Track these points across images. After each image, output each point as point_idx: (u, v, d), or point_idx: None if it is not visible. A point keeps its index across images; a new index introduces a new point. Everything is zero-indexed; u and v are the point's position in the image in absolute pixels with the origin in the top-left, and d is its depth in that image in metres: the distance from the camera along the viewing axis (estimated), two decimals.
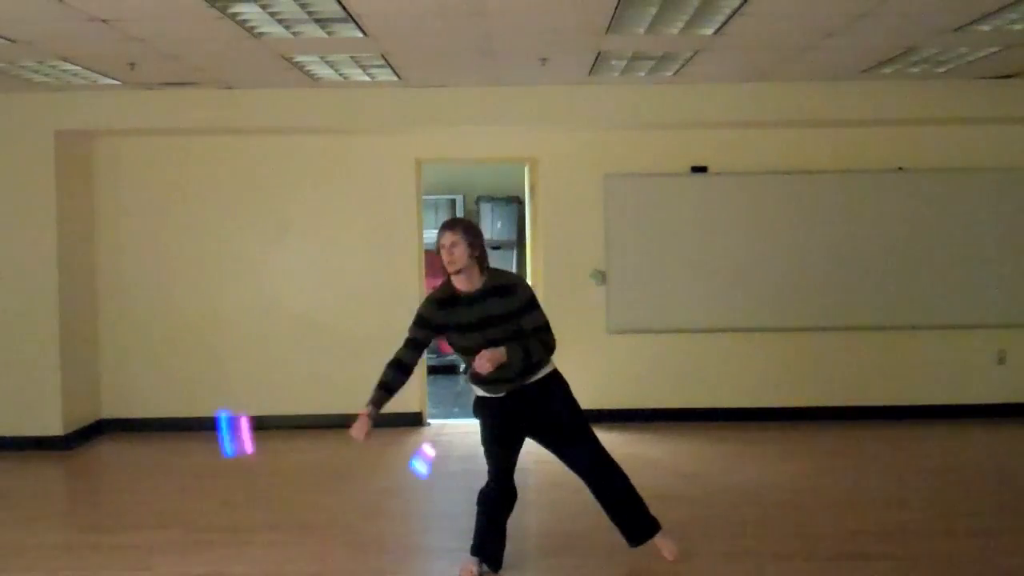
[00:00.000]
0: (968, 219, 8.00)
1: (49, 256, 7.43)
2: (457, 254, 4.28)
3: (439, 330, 4.45)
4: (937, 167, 8.02)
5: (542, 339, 4.39)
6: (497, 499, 4.56)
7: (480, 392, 4.55)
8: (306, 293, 8.12)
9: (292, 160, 8.09)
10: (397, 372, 4.45)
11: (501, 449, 4.54)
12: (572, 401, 4.61)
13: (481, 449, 4.61)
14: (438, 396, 9.23)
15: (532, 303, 4.42)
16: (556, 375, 4.59)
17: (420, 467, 4.64)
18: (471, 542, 4.63)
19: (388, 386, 4.44)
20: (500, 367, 4.28)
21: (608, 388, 8.12)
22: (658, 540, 4.71)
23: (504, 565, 4.78)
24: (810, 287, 8.01)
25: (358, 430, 4.34)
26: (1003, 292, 8.02)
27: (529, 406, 4.50)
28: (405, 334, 4.52)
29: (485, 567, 4.60)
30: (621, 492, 4.64)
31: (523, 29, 5.60)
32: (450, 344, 4.53)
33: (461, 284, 4.37)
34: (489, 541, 4.60)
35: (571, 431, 4.58)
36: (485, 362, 4.22)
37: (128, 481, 6.79)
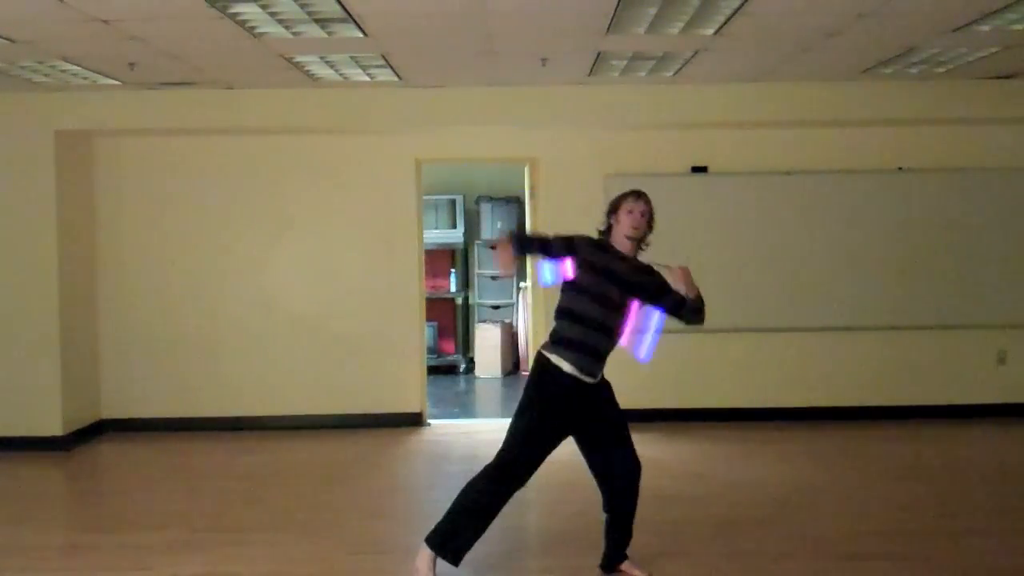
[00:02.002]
0: (968, 219, 8.00)
1: (49, 256, 7.43)
2: (643, 225, 4.39)
3: (581, 264, 4.31)
4: (937, 167, 8.02)
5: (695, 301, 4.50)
6: (489, 506, 4.27)
7: (569, 370, 4.26)
8: (306, 293, 8.13)
9: (292, 160, 8.09)
10: (538, 242, 4.42)
11: (551, 443, 4.32)
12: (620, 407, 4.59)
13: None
14: (438, 396, 9.22)
15: (667, 284, 4.50)
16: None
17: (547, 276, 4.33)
18: (438, 536, 4.30)
19: (531, 241, 4.46)
20: (600, 355, 4.31)
21: None
22: (626, 568, 4.61)
23: (502, 564, 4.78)
24: (810, 287, 8.01)
25: (506, 262, 4.30)
26: (1003, 292, 8.02)
27: (594, 402, 4.40)
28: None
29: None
30: (632, 508, 4.59)
31: (523, 29, 5.60)
32: (581, 291, 4.30)
33: (623, 248, 4.40)
34: (460, 543, 4.30)
35: (623, 431, 4.54)
36: (686, 277, 4.33)
37: (128, 481, 6.79)
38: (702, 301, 4.46)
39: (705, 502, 5.85)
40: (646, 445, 7.36)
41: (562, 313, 4.38)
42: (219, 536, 5.30)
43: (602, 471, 4.54)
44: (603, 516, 4.60)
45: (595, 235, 4.49)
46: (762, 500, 5.86)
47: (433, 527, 4.36)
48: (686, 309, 4.44)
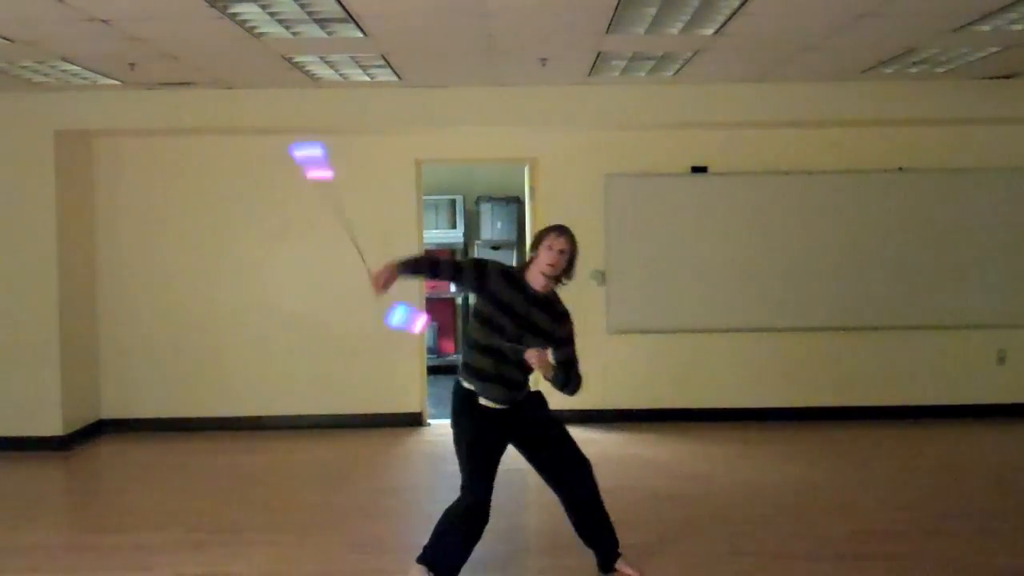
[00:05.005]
0: (968, 219, 8.00)
1: (49, 256, 7.43)
2: (562, 262, 4.31)
3: (483, 290, 4.28)
4: (937, 167, 8.03)
5: (578, 374, 4.44)
6: (469, 527, 4.28)
7: (479, 398, 4.33)
8: (306, 293, 8.13)
9: (292, 160, 8.06)
10: (427, 261, 4.31)
11: (486, 454, 4.32)
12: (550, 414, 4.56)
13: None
14: (438, 396, 9.22)
15: (573, 338, 4.43)
16: (539, 392, 4.55)
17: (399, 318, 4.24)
18: (428, 556, 4.33)
19: (417, 261, 4.33)
20: (513, 384, 4.29)
21: (608, 388, 8.12)
22: (620, 566, 4.59)
23: (502, 565, 4.78)
24: (810, 287, 8.02)
25: (381, 279, 4.16)
26: (1003, 292, 8.02)
27: (516, 420, 4.38)
28: None
29: None
30: (596, 502, 4.54)
31: (523, 29, 5.60)
32: (481, 318, 4.29)
33: (535, 283, 4.34)
34: (449, 561, 4.32)
35: (558, 436, 4.48)
36: (535, 359, 4.17)
37: (128, 481, 6.79)
38: (566, 380, 4.36)
39: (705, 502, 5.85)
40: (646, 445, 7.41)
41: (471, 342, 4.36)
42: (219, 536, 5.30)
43: (552, 483, 4.52)
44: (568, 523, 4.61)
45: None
46: (762, 500, 5.86)
47: (423, 547, 4.38)
48: (564, 380, 4.35)
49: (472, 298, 4.38)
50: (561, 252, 4.29)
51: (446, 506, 4.41)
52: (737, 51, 6.24)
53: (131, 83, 7.02)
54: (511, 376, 4.30)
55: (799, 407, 8.09)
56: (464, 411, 4.37)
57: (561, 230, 4.35)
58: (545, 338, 4.33)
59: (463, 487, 4.31)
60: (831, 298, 8.02)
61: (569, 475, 4.49)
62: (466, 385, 4.35)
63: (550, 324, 4.33)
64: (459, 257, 4.39)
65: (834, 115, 7.57)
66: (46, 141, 7.40)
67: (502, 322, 4.26)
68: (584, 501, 4.53)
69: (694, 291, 8.04)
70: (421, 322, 4.40)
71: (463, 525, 4.30)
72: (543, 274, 4.29)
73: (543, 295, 4.34)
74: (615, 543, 4.61)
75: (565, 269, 4.33)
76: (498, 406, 4.33)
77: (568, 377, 4.37)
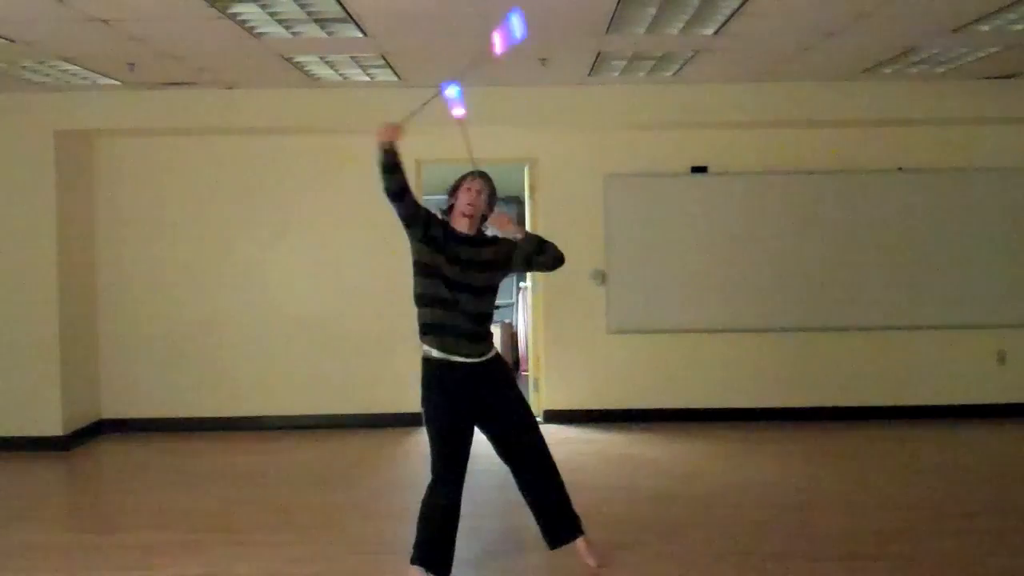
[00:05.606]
0: (968, 219, 8.00)
1: (49, 256, 7.43)
2: (480, 202, 4.43)
3: (428, 240, 4.33)
4: (937, 167, 8.03)
5: (551, 244, 4.47)
6: (445, 513, 4.30)
7: (438, 354, 4.28)
8: (306, 293, 8.13)
9: (292, 160, 8.09)
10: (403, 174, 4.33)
11: (457, 436, 4.30)
12: (518, 387, 4.57)
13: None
14: None
15: (526, 234, 4.49)
16: (502, 358, 4.54)
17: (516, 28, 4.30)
18: (418, 553, 4.34)
19: (399, 165, 4.34)
20: (468, 335, 4.30)
21: (608, 388, 8.13)
22: (580, 545, 4.63)
23: (501, 565, 4.78)
24: (810, 287, 8.02)
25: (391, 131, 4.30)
26: (1003, 292, 8.02)
27: (483, 385, 4.35)
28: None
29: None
30: (557, 489, 4.57)
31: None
32: (427, 273, 4.31)
33: (461, 227, 4.44)
34: (439, 553, 4.33)
35: (523, 417, 4.50)
36: (506, 219, 4.27)
37: (128, 481, 6.79)
38: (542, 241, 4.44)
39: (705, 502, 5.85)
40: (646, 445, 7.41)
41: (417, 299, 4.38)
42: (219, 536, 5.30)
43: (506, 458, 4.54)
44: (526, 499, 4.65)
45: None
46: (762, 500, 5.86)
47: (412, 548, 4.39)
48: (538, 257, 4.41)
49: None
50: (479, 193, 4.43)
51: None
52: (737, 51, 6.24)
53: (131, 83, 7.02)
54: (465, 326, 4.30)
55: (799, 407, 8.09)
56: (431, 387, 4.35)
57: (477, 173, 4.49)
58: (495, 267, 4.41)
59: (433, 472, 4.32)
60: (831, 298, 8.02)
61: (532, 466, 4.52)
62: (426, 350, 4.34)
63: (494, 251, 4.43)
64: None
65: (834, 115, 7.57)
66: (46, 141, 7.40)
67: (448, 272, 4.30)
68: (542, 493, 4.56)
69: (694, 291, 8.04)
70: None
71: (439, 511, 4.31)
72: (463, 214, 4.41)
73: (473, 235, 4.45)
74: (571, 529, 4.62)
75: (485, 209, 4.45)
76: (462, 360, 4.30)
77: (542, 243, 4.42)
